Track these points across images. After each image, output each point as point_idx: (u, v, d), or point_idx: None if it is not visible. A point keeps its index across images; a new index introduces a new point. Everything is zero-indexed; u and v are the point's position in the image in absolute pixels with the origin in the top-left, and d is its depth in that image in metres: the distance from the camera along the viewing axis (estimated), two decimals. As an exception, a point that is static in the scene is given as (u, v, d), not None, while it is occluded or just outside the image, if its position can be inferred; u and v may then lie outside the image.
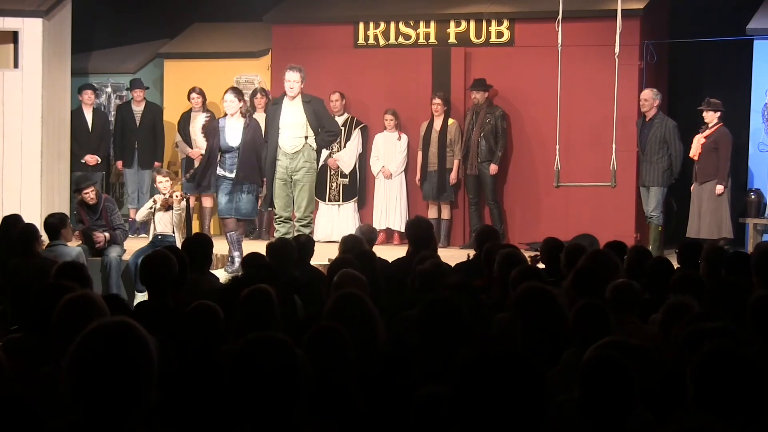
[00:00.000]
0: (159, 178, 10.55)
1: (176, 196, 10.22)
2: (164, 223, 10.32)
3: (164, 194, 10.32)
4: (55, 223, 9.39)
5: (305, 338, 3.90)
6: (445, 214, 12.32)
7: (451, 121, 12.24)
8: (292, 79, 10.04)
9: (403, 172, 12.57)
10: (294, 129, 10.05)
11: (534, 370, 2.68)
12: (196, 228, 13.09)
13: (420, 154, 12.34)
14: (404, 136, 12.52)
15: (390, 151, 12.52)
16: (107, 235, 10.14)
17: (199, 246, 7.04)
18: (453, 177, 12.14)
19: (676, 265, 7.38)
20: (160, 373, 2.81)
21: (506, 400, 2.62)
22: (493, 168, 11.94)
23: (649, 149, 11.22)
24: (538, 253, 7.88)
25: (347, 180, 12.70)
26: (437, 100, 12.20)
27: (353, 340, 4.01)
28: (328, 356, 3.83)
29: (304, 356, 3.12)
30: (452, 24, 12.51)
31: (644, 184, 11.32)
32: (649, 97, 11.25)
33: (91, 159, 12.62)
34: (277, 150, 10.04)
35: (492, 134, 11.93)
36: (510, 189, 12.25)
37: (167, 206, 10.26)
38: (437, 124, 12.27)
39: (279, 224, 10.23)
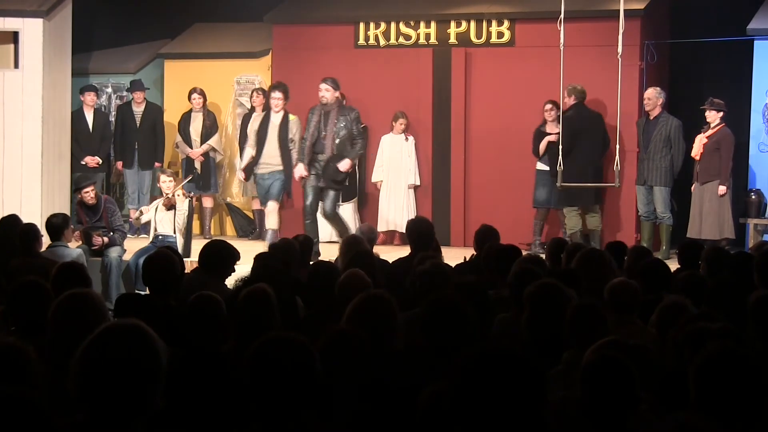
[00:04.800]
0: (163, 177, 10.53)
1: (179, 195, 10.21)
2: (165, 224, 10.31)
3: (167, 194, 10.31)
4: (57, 224, 9.36)
5: (323, 340, 3.87)
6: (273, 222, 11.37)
7: (292, 117, 11.50)
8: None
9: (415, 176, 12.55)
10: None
11: (533, 370, 2.68)
12: (196, 228, 13.10)
13: (249, 149, 11.68)
14: (411, 138, 12.48)
15: (396, 153, 12.47)
16: (105, 239, 10.14)
17: (215, 252, 6.91)
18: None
19: (677, 265, 7.38)
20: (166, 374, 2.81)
21: (506, 400, 2.62)
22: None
23: (652, 148, 11.22)
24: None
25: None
26: (278, 94, 11.40)
27: (374, 341, 4.02)
28: (346, 360, 3.81)
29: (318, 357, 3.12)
30: (453, 24, 12.51)
31: (646, 183, 11.32)
32: (653, 96, 11.25)
33: (91, 161, 12.62)
34: None
35: (348, 140, 10.79)
36: (510, 188, 12.23)
37: (170, 206, 10.25)
38: (276, 118, 11.47)
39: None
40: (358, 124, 10.87)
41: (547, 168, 11.57)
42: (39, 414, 2.61)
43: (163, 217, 10.31)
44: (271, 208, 11.57)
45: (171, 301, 5.71)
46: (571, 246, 7.29)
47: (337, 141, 10.70)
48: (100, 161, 12.72)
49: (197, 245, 8.59)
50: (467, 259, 7.81)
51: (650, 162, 11.26)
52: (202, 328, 4.75)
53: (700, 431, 3.07)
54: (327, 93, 10.69)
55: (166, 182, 10.41)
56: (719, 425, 3.15)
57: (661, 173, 11.23)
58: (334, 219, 10.94)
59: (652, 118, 11.30)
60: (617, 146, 10.76)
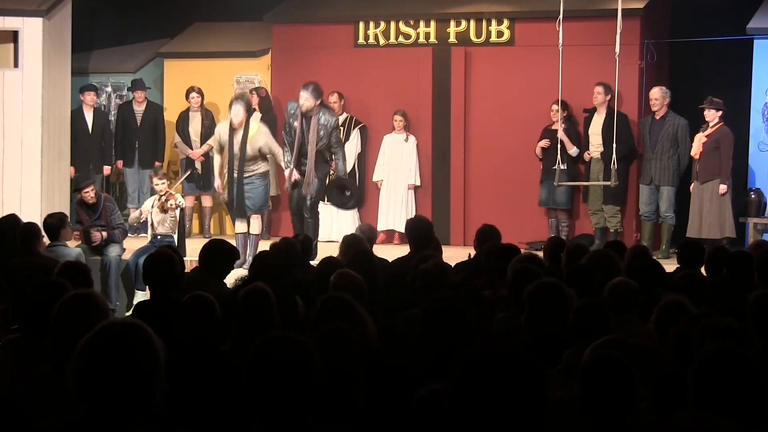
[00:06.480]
0: (155, 180, 10.51)
1: (171, 204, 10.19)
2: (163, 224, 10.32)
3: (160, 196, 10.30)
4: (54, 224, 9.37)
5: (317, 337, 3.88)
6: (255, 227, 10.68)
7: (255, 128, 10.55)
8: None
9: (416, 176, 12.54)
10: None
11: (533, 370, 2.69)
12: (196, 228, 13.10)
13: (220, 157, 10.62)
14: (412, 138, 12.47)
15: (397, 153, 12.47)
16: (104, 233, 10.13)
17: (215, 251, 6.90)
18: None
19: (676, 265, 7.38)
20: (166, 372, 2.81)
21: (506, 400, 2.62)
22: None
23: (660, 147, 11.21)
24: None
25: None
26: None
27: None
28: (338, 357, 3.81)
29: (320, 357, 3.12)
30: (452, 23, 12.51)
31: (653, 183, 11.31)
32: (659, 96, 11.26)
33: (107, 169, 12.84)
34: None
35: (327, 150, 10.48)
36: (510, 188, 12.24)
37: (164, 209, 10.25)
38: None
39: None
40: (336, 132, 10.54)
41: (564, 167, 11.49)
42: (19, 415, 2.62)
43: (162, 218, 10.31)
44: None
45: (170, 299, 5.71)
46: (572, 246, 7.28)
47: (317, 148, 10.31)
48: (110, 167, 12.84)
49: (198, 245, 8.59)
50: (471, 257, 7.80)
51: (658, 162, 11.25)
52: (196, 329, 4.74)
53: (715, 429, 3.07)
54: (307, 102, 10.21)
55: (158, 185, 10.39)
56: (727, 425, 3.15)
57: (669, 173, 11.24)
58: (312, 216, 10.54)
59: (658, 118, 11.30)
60: (614, 145, 10.75)
